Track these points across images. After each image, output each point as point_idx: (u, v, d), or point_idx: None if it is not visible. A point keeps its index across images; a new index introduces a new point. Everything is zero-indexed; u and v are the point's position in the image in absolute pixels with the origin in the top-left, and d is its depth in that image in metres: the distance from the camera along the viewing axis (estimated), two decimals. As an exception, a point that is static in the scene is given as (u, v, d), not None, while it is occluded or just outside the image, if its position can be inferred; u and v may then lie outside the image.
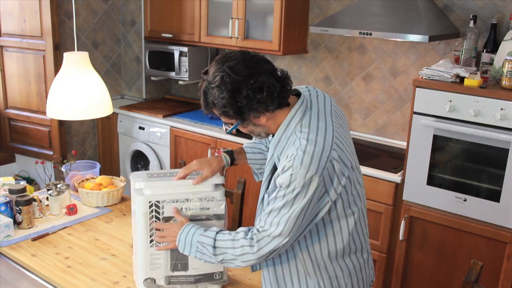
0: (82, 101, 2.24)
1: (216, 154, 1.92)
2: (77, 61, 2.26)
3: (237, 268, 1.87)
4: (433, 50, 3.10)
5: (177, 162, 3.70)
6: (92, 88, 2.27)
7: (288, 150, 1.44)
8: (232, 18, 3.51)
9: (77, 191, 2.60)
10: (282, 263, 1.58)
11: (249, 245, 1.47)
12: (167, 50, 3.96)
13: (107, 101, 2.34)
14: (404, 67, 3.23)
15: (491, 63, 2.67)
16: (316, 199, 1.41)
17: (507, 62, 2.43)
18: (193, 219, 1.69)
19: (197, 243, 1.56)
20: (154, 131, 3.90)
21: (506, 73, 2.43)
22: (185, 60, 3.88)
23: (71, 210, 2.40)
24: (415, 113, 2.67)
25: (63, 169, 2.60)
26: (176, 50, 3.90)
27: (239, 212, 2.37)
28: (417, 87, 2.63)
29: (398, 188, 2.81)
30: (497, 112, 2.42)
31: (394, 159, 3.05)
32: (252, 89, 1.41)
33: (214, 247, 1.52)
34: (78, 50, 2.41)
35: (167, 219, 1.69)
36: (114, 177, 2.67)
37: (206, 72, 1.48)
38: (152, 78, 4.26)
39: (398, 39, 2.82)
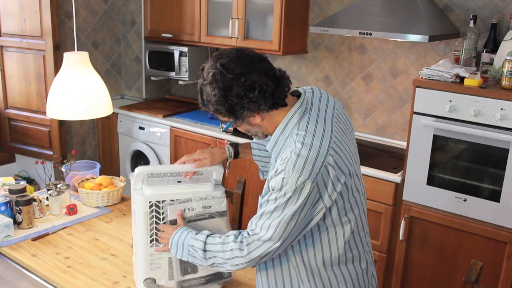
0: (82, 101, 2.24)
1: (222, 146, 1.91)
2: (77, 61, 2.26)
3: (244, 270, 1.88)
4: (433, 50, 3.10)
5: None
6: (92, 88, 2.27)
7: (284, 153, 1.41)
8: (232, 18, 3.51)
9: (77, 191, 2.60)
10: (274, 267, 1.53)
11: (239, 248, 1.43)
12: (167, 50, 3.96)
13: (107, 101, 2.34)
14: (404, 67, 3.23)
15: (491, 63, 2.67)
16: (310, 205, 1.36)
17: (507, 62, 2.43)
18: (196, 219, 1.68)
19: (188, 246, 1.53)
20: (154, 131, 3.90)
21: (506, 73, 2.43)
22: (185, 60, 3.88)
23: (71, 210, 2.40)
24: (415, 113, 2.67)
25: (63, 169, 2.60)
26: (176, 50, 3.90)
27: (239, 212, 2.37)
28: (417, 87, 2.63)
29: (398, 188, 2.81)
30: (497, 112, 2.42)
31: (394, 159, 3.05)
32: (244, 87, 1.37)
33: (204, 250, 1.49)
34: (78, 50, 2.41)
35: (173, 222, 1.68)
36: (114, 177, 2.67)
37: (203, 69, 1.46)
38: (152, 78, 4.26)
39: (398, 39, 2.82)
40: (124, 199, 2.60)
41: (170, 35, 3.93)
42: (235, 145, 1.85)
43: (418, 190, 2.72)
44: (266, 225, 1.38)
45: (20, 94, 3.91)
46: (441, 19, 2.90)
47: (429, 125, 2.62)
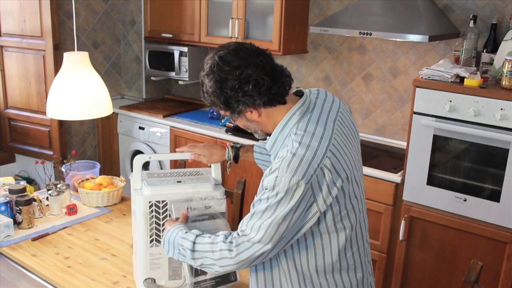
0: (82, 101, 2.24)
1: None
2: (77, 61, 2.26)
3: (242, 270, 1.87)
4: (433, 50, 3.10)
5: (177, 162, 3.70)
6: (92, 88, 2.27)
7: (281, 152, 1.38)
8: (232, 18, 3.51)
9: (77, 191, 2.60)
10: (265, 270, 1.49)
11: (228, 249, 1.38)
12: (167, 50, 3.97)
13: (107, 101, 2.34)
14: (404, 67, 3.23)
15: (491, 63, 2.67)
16: (303, 208, 1.31)
17: (507, 62, 2.43)
18: (197, 219, 1.68)
19: (178, 245, 1.49)
20: (154, 131, 3.90)
21: (506, 73, 2.43)
22: (185, 60, 3.88)
23: (71, 210, 2.40)
24: (415, 113, 2.66)
25: (63, 169, 2.60)
26: (176, 50, 3.90)
27: (239, 212, 2.37)
28: (417, 87, 2.63)
29: (398, 188, 2.81)
30: (497, 112, 2.42)
31: (394, 159, 3.05)
32: (239, 80, 1.35)
33: (193, 250, 1.45)
34: (78, 50, 2.41)
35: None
36: (114, 177, 2.68)
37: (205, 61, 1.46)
38: (152, 78, 4.26)
39: (398, 39, 2.82)
40: (124, 199, 2.60)
41: (170, 35, 3.93)
42: (236, 148, 1.85)
43: (418, 190, 2.72)
44: (257, 226, 1.34)
45: (20, 94, 3.91)
46: (441, 19, 2.91)
47: (429, 125, 2.62)
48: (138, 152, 4.06)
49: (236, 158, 1.85)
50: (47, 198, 2.45)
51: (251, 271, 1.55)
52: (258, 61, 1.38)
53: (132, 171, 1.79)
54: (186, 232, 1.50)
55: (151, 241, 1.72)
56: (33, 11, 3.65)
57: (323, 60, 3.56)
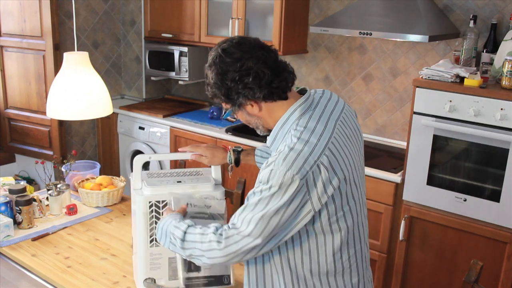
0: (82, 101, 2.24)
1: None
2: (77, 61, 2.26)
3: (237, 269, 1.88)
4: (433, 50, 3.10)
5: (177, 162, 3.70)
6: (92, 88, 2.27)
7: (279, 147, 1.37)
8: (232, 18, 3.51)
9: (77, 191, 2.60)
10: (256, 266, 1.49)
11: (217, 241, 1.35)
12: (167, 50, 3.96)
13: (107, 101, 2.34)
14: (404, 67, 3.23)
15: (491, 63, 2.67)
16: (296, 205, 1.29)
17: (507, 62, 2.43)
18: (196, 216, 1.67)
19: (170, 234, 1.47)
20: (154, 131, 3.90)
21: (506, 73, 2.43)
22: (185, 60, 3.88)
23: (71, 210, 2.40)
24: (415, 113, 2.66)
25: (63, 169, 2.60)
26: (176, 50, 3.90)
27: (239, 212, 2.36)
28: (417, 87, 2.63)
29: (398, 188, 2.81)
30: (497, 112, 2.42)
31: (394, 159, 3.05)
32: (239, 72, 1.36)
33: (183, 240, 1.42)
34: (78, 50, 2.41)
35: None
36: (114, 177, 2.68)
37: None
38: (152, 78, 4.26)
39: (398, 39, 2.82)
40: (124, 199, 2.60)
41: (170, 35, 3.93)
42: (237, 152, 1.85)
43: (418, 190, 2.72)
44: (248, 219, 1.32)
45: (20, 94, 3.91)
46: (441, 19, 2.91)
47: (429, 125, 2.62)
48: (138, 152, 4.06)
49: (237, 162, 1.85)
50: (47, 198, 2.45)
51: (244, 267, 1.55)
52: (260, 55, 1.38)
53: (132, 171, 1.79)
54: (179, 222, 1.48)
55: (151, 241, 1.72)
56: (33, 11, 3.65)
57: (323, 60, 3.56)
